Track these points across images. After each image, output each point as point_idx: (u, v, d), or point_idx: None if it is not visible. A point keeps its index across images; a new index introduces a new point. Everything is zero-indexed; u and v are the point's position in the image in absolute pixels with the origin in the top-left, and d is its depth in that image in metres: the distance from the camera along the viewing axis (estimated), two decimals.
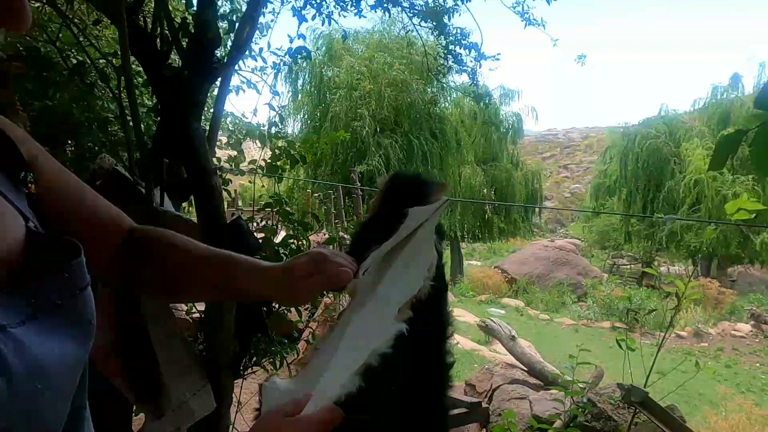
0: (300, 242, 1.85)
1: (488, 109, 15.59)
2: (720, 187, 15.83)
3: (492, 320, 6.36)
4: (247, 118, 2.71)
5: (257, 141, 2.61)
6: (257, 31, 2.83)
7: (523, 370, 4.79)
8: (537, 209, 21.54)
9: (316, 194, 7.85)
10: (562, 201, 41.76)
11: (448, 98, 16.23)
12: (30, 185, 0.57)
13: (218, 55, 1.74)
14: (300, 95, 15.05)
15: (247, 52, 2.30)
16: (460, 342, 7.88)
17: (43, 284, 0.46)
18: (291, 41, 2.45)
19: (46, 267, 0.47)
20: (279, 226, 1.95)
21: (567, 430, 2.20)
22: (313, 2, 2.53)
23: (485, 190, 19.39)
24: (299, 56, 2.37)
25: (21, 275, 0.46)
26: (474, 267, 20.96)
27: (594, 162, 34.27)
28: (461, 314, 10.94)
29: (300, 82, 15.09)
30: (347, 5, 2.70)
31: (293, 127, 15.32)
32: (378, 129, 14.21)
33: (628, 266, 21.52)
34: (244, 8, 2.20)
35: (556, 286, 15.48)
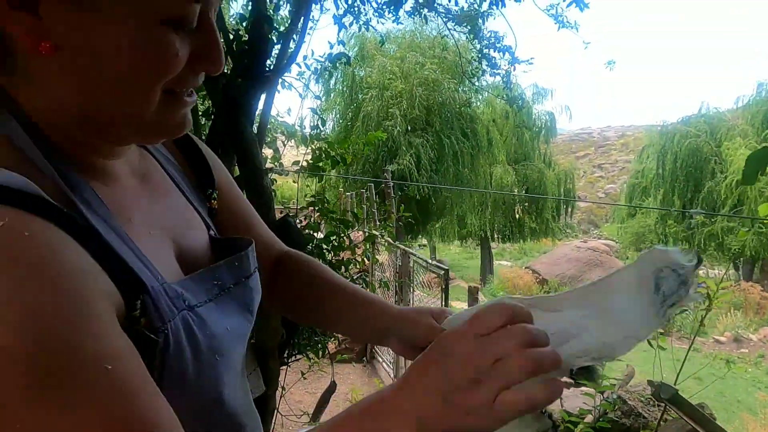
0: (341, 239, 1.97)
1: (521, 112, 15.47)
2: (764, 188, 15.24)
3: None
4: (282, 117, 2.85)
5: (290, 140, 2.75)
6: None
7: None
8: (569, 209, 21.15)
9: (348, 192, 8.01)
10: (595, 200, 40.82)
11: (480, 97, 16.17)
12: (212, 201, 0.67)
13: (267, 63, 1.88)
14: (332, 94, 15.27)
15: None
16: None
17: (220, 271, 0.56)
18: (331, 47, 2.58)
19: (222, 258, 0.58)
20: (321, 223, 2.07)
21: (597, 424, 2.25)
22: (353, 10, 2.65)
23: (516, 190, 19.24)
24: (339, 62, 2.50)
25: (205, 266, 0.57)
26: (504, 267, 20.80)
27: (630, 161, 33.42)
28: None
29: (333, 81, 15.32)
30: (384, 12, 2.82)
31: (327, 126, 15.61)
32: (409, 128, 14.31)
33: None
34: (290, 18, 2.34)
35: None
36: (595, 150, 52.95)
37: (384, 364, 4.89)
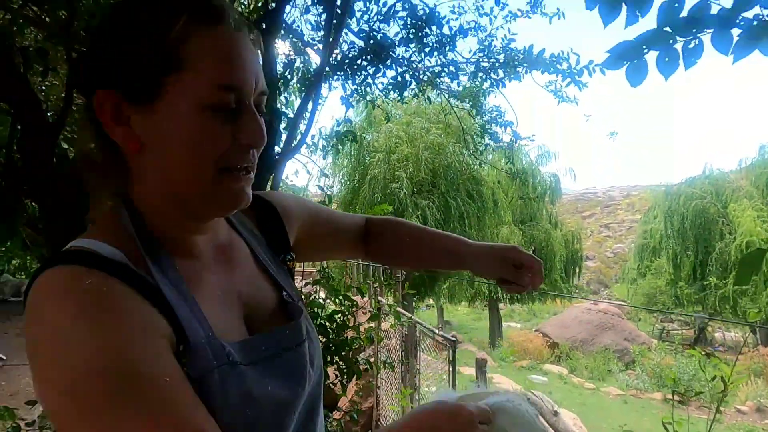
0: (346, 318, 1.96)
1: (524, 180, 15.88)
2: None
3: (534, 393, 6.16)
4: (291, 180, 2.93)
5: None
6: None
7: None
8: (577, 269, 20.93)
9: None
10: (605, 261, 40.47)
11: (486, 158, 16.49)
12: (288, 263, 0.79)
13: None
14: (340, 156, 15.66)
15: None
16: None
17: (272, 337, 0.66)
18: (338, 124, 2.69)
19: (275, 323, 0.68)
20: (326, 299, 2.07)
21: None
22: (359, 90, 2.79)
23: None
24: (346, 139, 2.59)
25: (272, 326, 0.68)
26: (513, 329, 20.34)
27: (636, 221, 33.39)
28: (501, 381, 10.56)
29: (346, 129, 15.71)
30: (389, 93, 2.96)
31: (333, 186, 15.88)
32: (415, 190, 14.52)
33: (679, 331, 20.37)
34: (298, 102, 2.47)
35: (601, 352, 14.76)
36: (601, 209, 53.12)
37: None
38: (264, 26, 1.97)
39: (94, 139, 0.60)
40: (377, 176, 14.29)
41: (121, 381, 0.47)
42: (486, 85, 3.41)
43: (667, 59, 1.36)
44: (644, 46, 1.38)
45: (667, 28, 1.32)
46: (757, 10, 1.21)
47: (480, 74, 3.33)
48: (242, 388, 0.57)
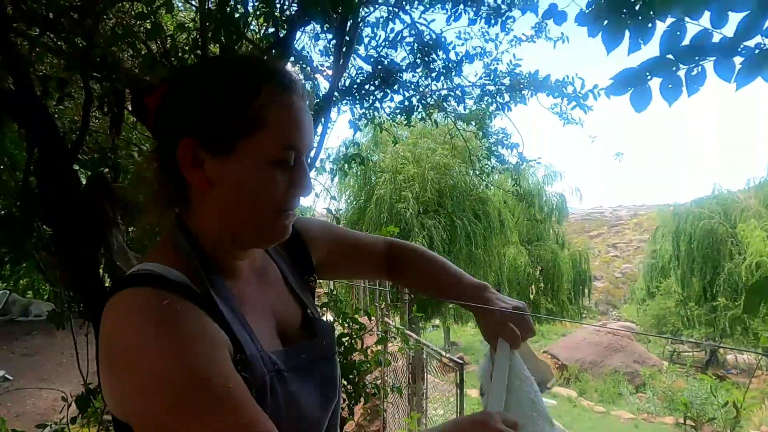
0: (353, 340, 1.96)
1: (531, 206, 15.96)
2: None
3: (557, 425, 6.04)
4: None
5: None
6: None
7: None
8: (585, 290, 20.70)
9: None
10: (613, 281, 40.01)
11: (493, 180, 16.54)
12: (311, 283, 0.89)
13: None
14: (347, 176, 15.74)
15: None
16: None
17: (308, 347, 0.77)
18: (346, 147, 2.73)
19: (311, 331, 0.80)
20: (334, 321, 2.07)
21: None
22: (367, 114, 2.84)
23: (530, 271, 19.04)
24: (354, 161, 2.62)
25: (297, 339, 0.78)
26: None
27: (644, 241, 33.11)
28: None
29: (354, 152, 15.80)
30: (397, 116, 3.01)
31: (340, 206, 15.94)
32: (421, 210, 14.54)
33: (691, 353, 20.02)
34: None
35: (610, 375, 14.52)
36: (609, 229, 52.75)
37: None
38: (274, 53, 2.03)
39: (164, 176, 0.69)
40: (383, 196, 14.34)
41: (197, 386, 0.56)
42: (492, 108, 3.46)
43: (670, 86, 1.38)
44: (648, 73, 1.40)
45: (670, 56, 1.35)
46: (758, 39, 1.23)
47: (486, 98, 3.39)
48: (287, 391, 0.68)
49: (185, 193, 0.70)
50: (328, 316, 2.14)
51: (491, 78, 3.38)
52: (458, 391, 3.42)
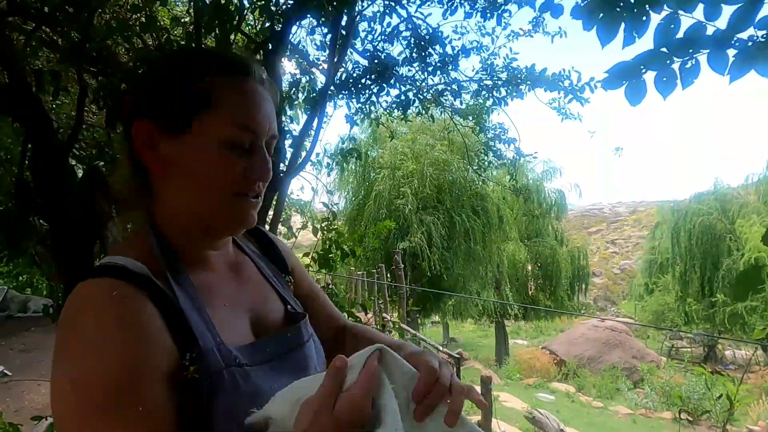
0: None
1: (529, 202, 15.96)
2: None
3: (539, 411, 6.09)
4: (296, 195, 2.97)
5: (303, 217, 2.84)
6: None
7: None
8: (583, 286, 20.73)
9: (359, 272, 8.03)
10: (611, 278, 40.07)
11: (491, 175, 16.55)
12: (289, 283, 0.88)
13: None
14: (346, 172, 15.73)
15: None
16: (507, 431, 7.47)
17: (274, 341, 0.74)
18: (342, 142, 2.73)
19: (279, 330, 0.77)
20: None
21: None
22: (364, 109, 2.83)
23: (529, 266, 19.06)
24: (351, 156, 2.62)
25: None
26: (520, 346, 20.12)
27: (643, 237, 33.12)
28: (508, 399, 10.41)
29: (350, 147, 15.80)
30: (393, 111, 3.00)
31: (338, 203, 15.96)
32: (420, 206, 14.54)
33: (689, 349, 20.07)
34: (303, 119, 2.51)
35: (608, 370, 14.55)
36: (608, 226, 52.79)
37: None
38: (270, 46, 2.02)
39: (131, 166, 0.71)
40: (382, 192, 14.35)
41: (119, 389, 0.55)
42: (489, 102, 3.46)
43: (664, 79, 1.38)
44: (642, 67, 1.40)
45: (664, 49, 1.35)
46: (751, 31, 1.23)
47: (483, 92, 3.38)
48: (250, 387, 0.65)
49: (147, 181, 0.71)
50: None
51: (488, 72, 3.37)
52: None
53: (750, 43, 1.22)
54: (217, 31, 1.41)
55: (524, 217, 18.63)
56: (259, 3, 1.84)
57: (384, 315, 4.80)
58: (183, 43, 1.54)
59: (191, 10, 1.77)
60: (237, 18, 1.80)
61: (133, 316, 0.60)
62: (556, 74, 3.28)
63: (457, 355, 3.56)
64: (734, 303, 16.12)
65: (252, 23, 2.04)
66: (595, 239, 47.24)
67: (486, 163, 3.79)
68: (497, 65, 3.45)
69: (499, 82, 3.37)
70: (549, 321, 22.74)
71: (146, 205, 0.73)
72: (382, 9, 2.68)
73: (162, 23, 1.76)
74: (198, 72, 0.68)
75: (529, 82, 3.30)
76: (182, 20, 1.78)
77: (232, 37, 1.76)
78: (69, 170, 1.57)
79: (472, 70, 3.47)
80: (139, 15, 1.49)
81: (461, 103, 3.47)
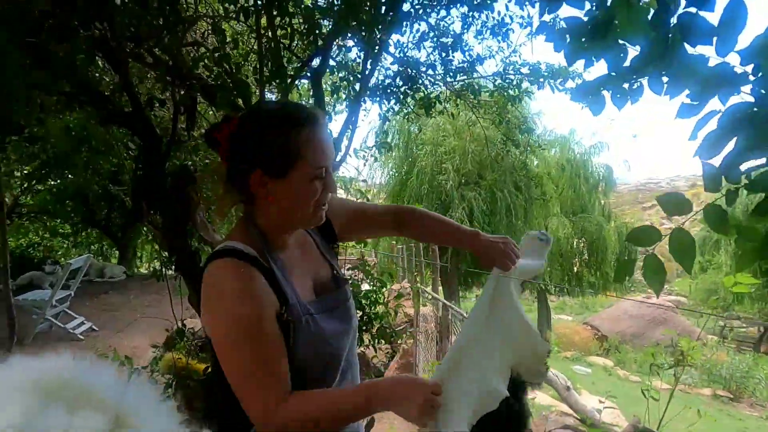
0: (377, 296, 2.48)
1: (575, 177, 15.66)
2: None
3: (551, 371, 6.54)
4: (339, 172, 3.41)
5: (344, 190, 3.29)
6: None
7: (576, 418, 5.04)
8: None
9: (399, 246, 8.51)
10: (665, 254, 38.50)
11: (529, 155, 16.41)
12: (335, 248, 1.26)
13: None
14: (384, 151, 15.95)
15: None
16: (538, 397, 7.89)
17: (330, 298, 1.13)
18: (377, 136, 3.18)
19: (333, 290, 1.15)
20: (363, 281, 2.58)
21: None
22: (393, 109, 3.26)
23: (574, 243, 18.82)
24: (383, 149, 3.08)
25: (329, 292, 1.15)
26: (564, 322, 20.13)
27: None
28: None
29: (389, 137, 16.11)
30: (419, 110, 3.40)
31: (381, 178, 16.32)
32: (462, 182, 14.69)
33: (744, 329, 19.44)
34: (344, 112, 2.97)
35: (651, 347, 14.48)
36: None
37: None
38: (315, 62, 2.49)
39: (231, 185, 1.05)
40: (424, 168, 14.60)
41: (247, 328, 0.95)
42: (515, 92, 3.77)
43: (618, 96, 1.76)
44: (601, 87, 1.79)
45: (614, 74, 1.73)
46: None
47: (504, 90, 3.68)
48: (319, 327, 1.04)
49: (252, 198, 1.04)
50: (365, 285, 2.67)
51: (507, 71, 3.67)
52: None
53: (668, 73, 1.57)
54: (271, 65, 1.90)
55: (570, 192, 18.33)
56: (305, 30, 2.30)
57: (419, 286, 5.28)
58: (250, 70, 2.03)
59: (255, 46, 2.25)
60: (289, 43, 2.28)
61: (254, 284, 0.97)
62: (573, 72, 3.53)
63: None
64: None
65: (298, 44, 2.50)
66: (649, 215, 45.45)
67: (504, 151, 4.08)
68: (516, 63, 3.73)
69: (522, 77, 3.67)
70: (594, 297, 22.50)
71: (249, 211, 1.07)
72: (411, 18, 3.03)
73: (233, 56, 2.27)
74: (292, 137, 0.98)
75: (551, 80, 3.57)
76: (249, 55, 2.28)
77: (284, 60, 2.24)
78: (168, 169, 2.13)
79: (496, 66, 3.80)
80: (217, 53, 1.98)
81: (479, 93, 3.74)
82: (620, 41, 1.72)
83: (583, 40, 1.86)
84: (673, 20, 1.40)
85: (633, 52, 1.73)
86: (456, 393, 0.97)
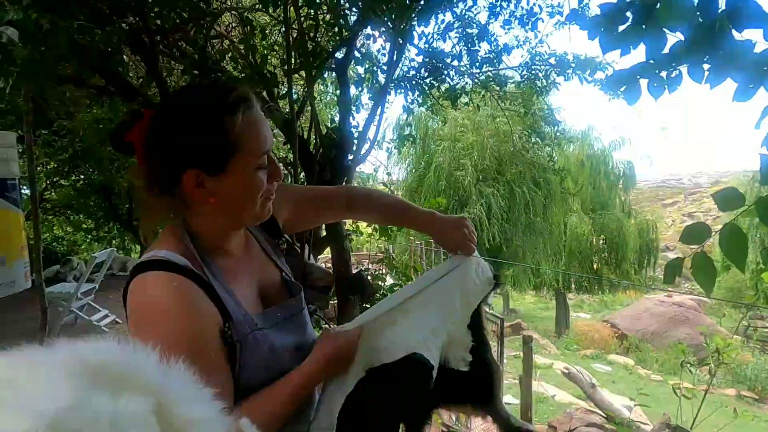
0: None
1: (595, 173, 15.44)
2: None
3: (575, 368, 6.45)
4: (359, 169, 3.42)
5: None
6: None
7: (601, 416, 4.94)
8: (652, 260, 19.94)
9: (418, 241, 8.49)
10: (686, 252, 37.76)
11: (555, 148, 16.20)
12: (281, 245, 1.10)
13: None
14: (404, 148, 15.97)
15: None
16: (558, 395, 7.80)
17: (279, 309, 0.97)
18: (397, 130, 3.15)
19: (283, 300, 1.00)
20: (387, 275, 2.57)
21: None
22: (418, 101, 3.23)
23: (593, 240, 18.59)
24: (407, 140, 3.06)
25: (277, 299, 0.99)
26: (582, 320, 19.90)
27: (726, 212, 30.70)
28: (560, 368, 10.63)
29: (407, 132, 16.02)
30: (444, 101, 3.37)
31: (399, 174, 16.29)
32: (480, 178, 14.58)
33: None
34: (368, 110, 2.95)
35: (673, 346, 14.25)
36: (685, 197, 49.53)
37: None
38: (340, 55, 2.48)
39: (162, 193, 0.87)
40: (442, 164, 14.53)
41: (191, 349, 0.72)
42: (541, 84, 3.71)
43: (655, 84, 1.71)
44: (637, 76, 1.74)
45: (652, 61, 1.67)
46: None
47: (530, 81, 3.62)
48: (267, 344, 0.88)
49: (184, 201, 0.88)
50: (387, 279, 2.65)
51: (533, 62, 3.61)
52: (500, 342, 3.86)
53: (717, 60, 1.52)
54: (301, 55, 1.89)
55: (590, 189, 18.09)
56: (331, 21, 2.29)
57: None
58: (276, 70, 2.02)
59: (282, 40, 2.24)
60: (315, 33, 2.26)
61: (191, 300, 0.81)
62: (595, 61, 3.46)
63: (500, 316, 3.96)
64: None
65: (323, 37, 2.49)
66: (670, 212, 44.67)
67: (530, 144, 4.03)
68: (544, 53, 3.66)
69: (548, 69, 3.60)
70: (613, 295, 22.19)
71: (179, 216, 0.91)
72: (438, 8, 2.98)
73: (259, 48, 2.26)
74: (228, 126, 0.83)
75: (579, 72, 3.50)
76: (275, 47, 2.27)
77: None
78: None
79: (521, 57, 3.74)
80: (243, 45, 1.97)
81: (505, 85, 3.68)
82: (661, 28, 1.66)
83: (621, 27, 1.81)
84: (721, 4, 1.35)
85: (672, 39, 1.68)
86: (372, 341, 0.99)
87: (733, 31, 1.38)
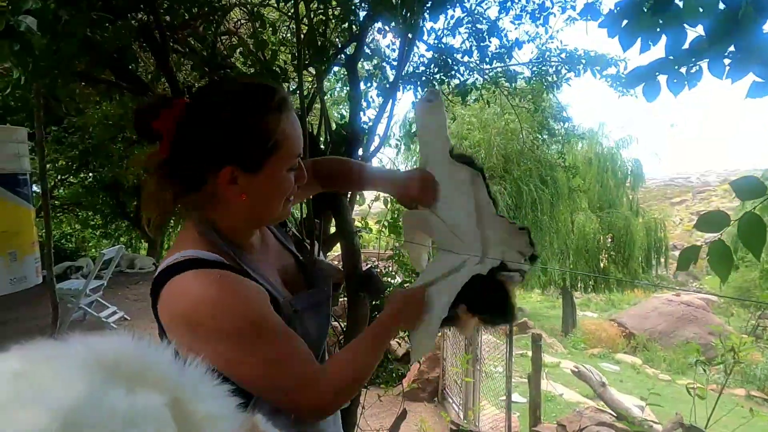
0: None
1: (603, 172, 15.37)
2: None
3: (584, 366, 6.41)
4: None
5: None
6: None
7: (611, 414, 4.91)
8: (661, 259, 19.82)
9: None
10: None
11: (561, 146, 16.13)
12: (288, 231, 1.19)
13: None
14: (412, 147, 15.92)
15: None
16: (565, 394, 7.77)
17: (314, 294, 1.03)
18: (409, 124, 3.13)
19: (318, 285, 1.07)
20: (397, 272, 2.55)
21: None
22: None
23: (601, 238, 18.51)
24: (414, 137, 3.03)
25: (305, 286, 1.05)
26: (589, 319, 19.83)
27: (734, 209, 30.72)
28: (569, 367, 10.59)
29: (415, 129, 15.99)
30: (454, 97, 3.34)
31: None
32: (487, 176, 14.52)
33: None
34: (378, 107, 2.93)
35: (681, 346, 14.17)
36: (693, 196, 49.21)
37: (454, 404, 5.16)
38: (350, 50, 2.45)
39: (186, 187, 0.87)
40: None
41: (261, 326, 0.80)
42: (552, 79, 3.68)
43: (675, 81, 1.67)
44: (656, 72, 1.70)
45: (671, 57, 1.64)
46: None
47: (540, 76, 3.60)
48: (304, 324, 0.93)
49: (211, 198, 0.87)
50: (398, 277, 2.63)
51: (543, 58, 3.58)
52: (508, 340, 3.84)
53: (739, 55, 1.48)
54: (310, 51, 1.86)
55: (598, 187, 17.99)
56: (341, 16, 2.26)
57: None
58: (287, 66, 2.00)
59: (293, 36, 2.22)
60: (324, 28, 2.24)
61: (240, 287, 0.81)
62: (607, 57, 3.43)
63: None
64: None
65: (333, 32, 2.47)
66: (678, 210, 44.38)
67: (539, 141, 4.01)
68: (553, 50, 3.64)
69: (558, 65, 3.57)
70: (621, 294, 22.08)
71: (202, 213, 0.90)
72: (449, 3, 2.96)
73: (269, 42, 2.25)
74: (269, 125, 0.84)
75: (584, 64, 3.47)
76: (285, 43, 2.25)
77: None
78: None
79: (531, 53, 3.71)
80: (252, 40, 1.96)
81: (515, 81, 3.65)
82: (680, 22, 1.63)
83: (639, 21, 1.77)
84: None
85: (691, 34, 1.64)
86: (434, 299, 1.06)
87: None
